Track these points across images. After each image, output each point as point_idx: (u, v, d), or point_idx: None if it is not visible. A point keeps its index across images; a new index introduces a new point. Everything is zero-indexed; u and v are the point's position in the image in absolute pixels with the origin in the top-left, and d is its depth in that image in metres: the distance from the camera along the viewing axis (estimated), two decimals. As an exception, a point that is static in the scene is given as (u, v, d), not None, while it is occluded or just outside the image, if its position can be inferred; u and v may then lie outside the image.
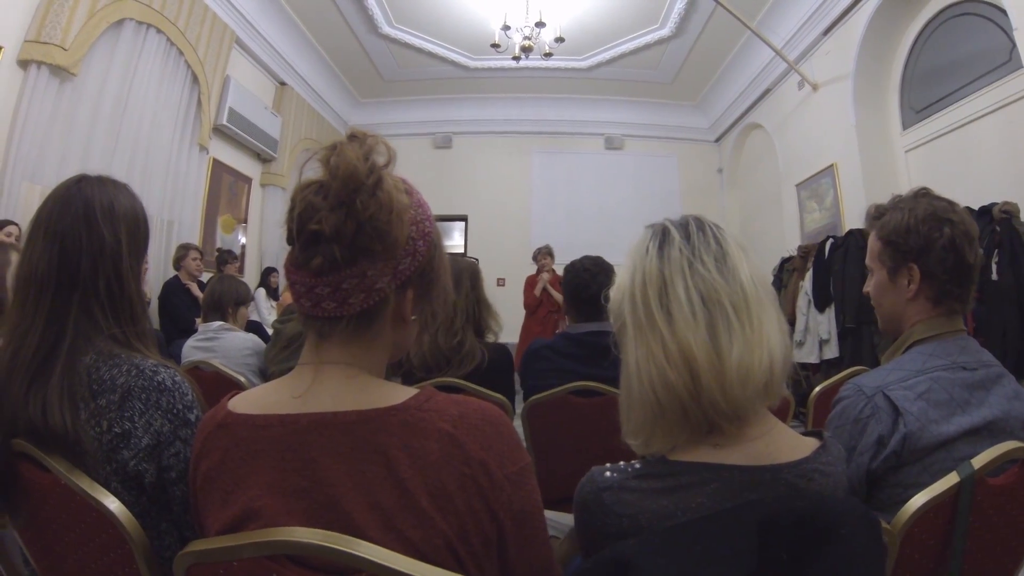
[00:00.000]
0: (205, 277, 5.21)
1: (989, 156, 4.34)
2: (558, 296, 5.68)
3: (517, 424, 2.04)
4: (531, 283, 6.27)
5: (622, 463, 0.82)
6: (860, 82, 5.40)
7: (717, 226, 0.87)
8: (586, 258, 2.29)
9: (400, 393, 0.78)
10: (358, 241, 0.75)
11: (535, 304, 6.00)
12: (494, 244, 8.78)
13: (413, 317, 0.86)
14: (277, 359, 2.49)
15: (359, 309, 0.78)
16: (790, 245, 6.66)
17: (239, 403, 0.80)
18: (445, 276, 0.89)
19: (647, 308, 0.82)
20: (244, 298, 2.95)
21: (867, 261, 1.37)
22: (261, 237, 7.32)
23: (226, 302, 2.84)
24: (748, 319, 0.79)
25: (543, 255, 6.24)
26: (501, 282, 8.47)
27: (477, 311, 2.18)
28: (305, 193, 0.78)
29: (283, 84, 7.38)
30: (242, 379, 2.26)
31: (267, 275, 6.73)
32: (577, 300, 2.22)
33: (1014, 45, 3.89)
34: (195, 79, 5.66)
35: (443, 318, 2.12)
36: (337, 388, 0.78)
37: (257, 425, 0.76)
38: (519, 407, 2.13)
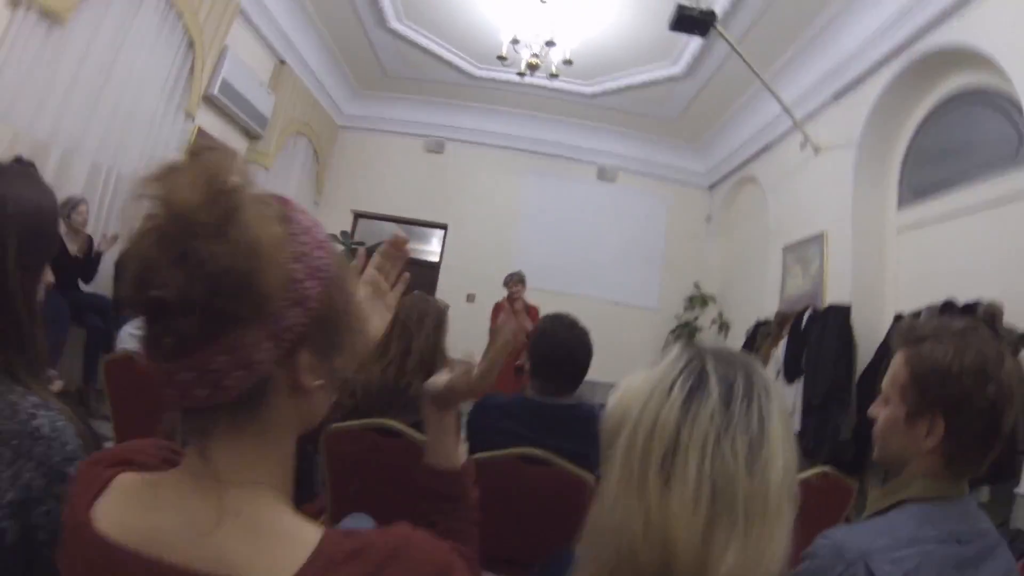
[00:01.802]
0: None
1: (980, 251, 4.24)
2: (527, 325, 5.45)
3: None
4: (498, 310, 6.04)
5: None
6: (863, 152, 5.29)
7: (767, 390, 0.70)
8: (560, 322, 2.08)
9: (293, 548, 0.58)
10: (216, 305, 0.56)
11: None
12: (471, 258, 8.58)
13: (319, 382, 0.66)
14: None
15: (239, 392, 0.60)
16: (767, 307, 6.55)
17: (113, 509, 0.62)
18: (355, 317, 0.70)
19: (644, 461, 0.67)
20: None
21: (885, 385, 1.16)
22: (239, 213, 7.04)
23: None
24: (758, 531, 0.63)
25: (515, 282, 6.04)
26: (471, 298, 8.31)
27: (432, 358, 2.06)
28: (141, 244, 0.57)
29: (282, 62, 7.16)
30: None
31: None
32: (546, 370, 2.03)
33: (1022, 141, 3.79)
34: (191, 45, 5.47)
35: (396, 355, 2.02)
36: (210, 528, 0.58)
37: (114, 560, 0.59)
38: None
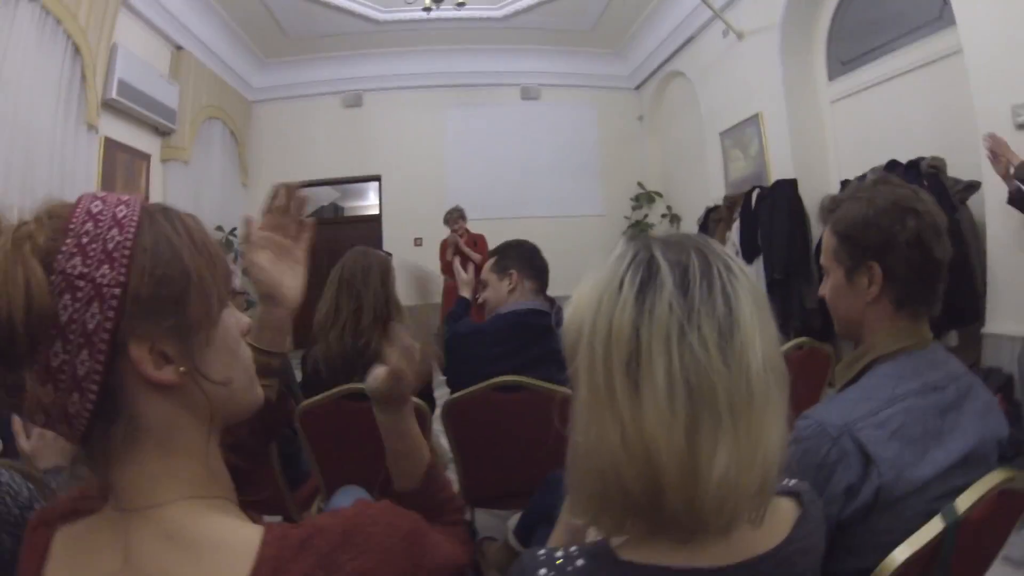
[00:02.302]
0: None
1: (915, 111, 4.49)
2: (475, 256, 5.68)
3: (437, 423, 1.99)
4: (446, 246, 6.12)
5: (560, 553, 0.65)
6: (787, 32, 5.42)
7: (729, 267, 0.62)
8: (515, 240, 2.35)
9: (235, 557, 0.55)
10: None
11: (451, 268, 5.84)
12: (409, 204, 8.48)
13: (182, 368, 0.58)
14: None
15: (92, 414, 0.56)
16: (714, 194, 6.79)
17: (61, 571, 0.59)
18: (195, 281, 0.59)
19: (608, 373, 0.59)
20: None
21: (822, 260, 1.22)
22: (165, 217, 6.69)
23: None
24: (747, 423, 0.57)
25: (455, 219, 6.12)
26: (419, 242, 8.31)
27: (386, 310, 2.03)
28: None
29: (179, 48, 6.65)
30: None
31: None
32: (539, 268, 2.23)
33: (945, 3, 3.96)
34: (77, 50, 4.99)
35: (348, 317, 1.99)
36: (146, 560, 0.55)
37: None
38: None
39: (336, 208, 10.21)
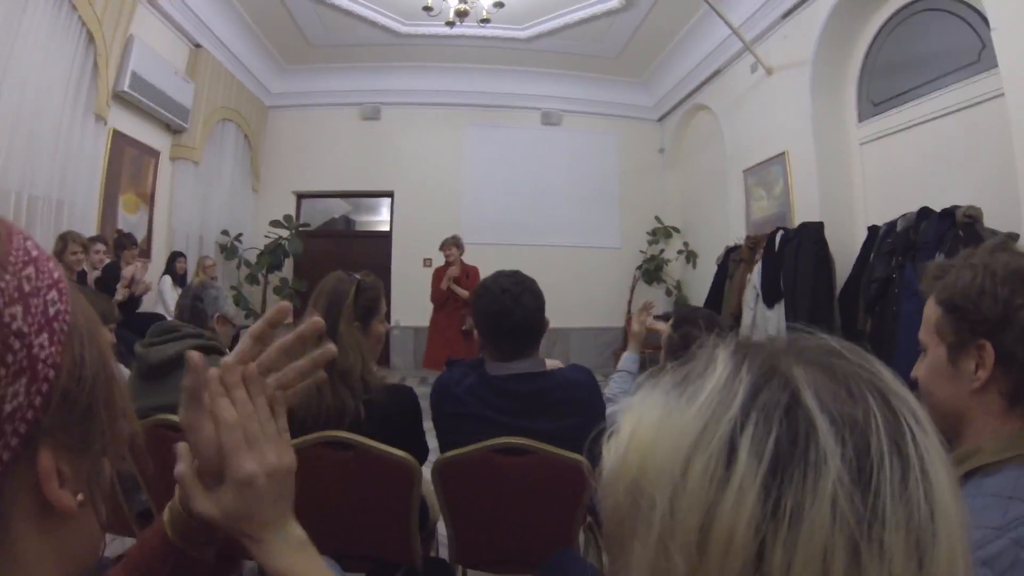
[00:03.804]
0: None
1: (948, 157, 4.28)
2: (463, 292, 5.34)
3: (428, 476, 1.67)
4: (439, 275, 5.93)
5: None
6: (818, 69, 5.26)
7: (919, 420, 0.37)
8: (501, 275, 1.75)
9: None
10: None
11: (442, 299, 5.57)
12: (421, 222, 8.31)
13: (79, 497, 0.43)
14: (138, 393, 1.90)
15: None
16: (735, 232, 6.58)
17: None
18: (114, 391, 0.45)
19: None
20: (104, 316, 2.29)
21: (920, 335, 0.99)
22: (170, 217, 6.59)
23: None
24: None
25: (449, 246, 5.87)
26: (428, 262, 8.10)
27: (360, 349, 1.69)
28: None
29: (198, 46, 6.60)
30: None
31: (173, 261, 6.05)
32: (496, 332, 1.70)
33: (984, 46, 3.78)
34: (91, 38, 4.91)
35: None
36: None
37: None
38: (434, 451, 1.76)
39: (348, 221, 10.08)
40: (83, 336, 0.43)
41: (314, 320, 0.63)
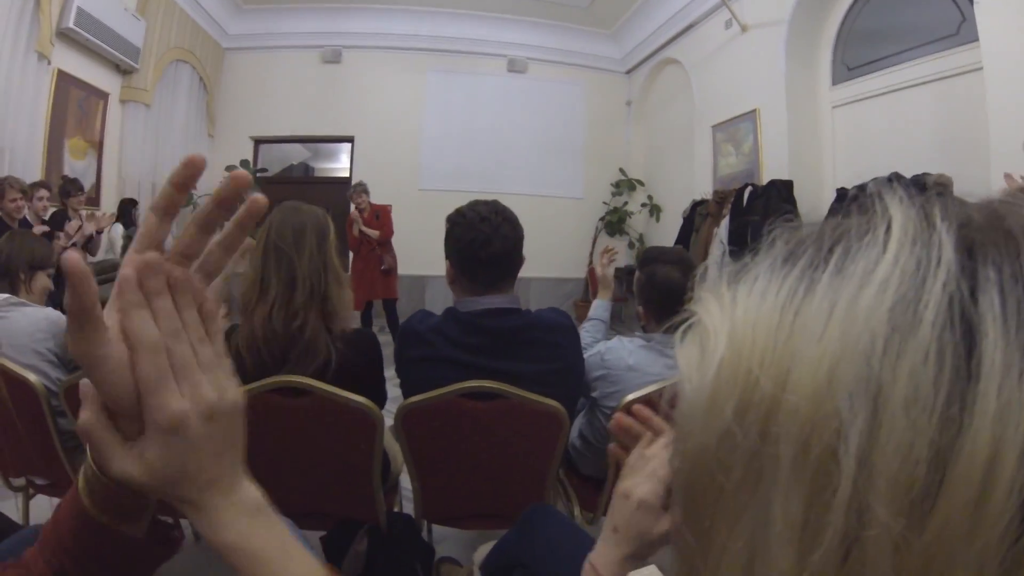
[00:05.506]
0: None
1: (921, 126, 4.45)
2: (373, 233, 5.79)
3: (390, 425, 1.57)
4: (351, 223, 6.01)
5: None
6: (794, 29, 5.33)
7: None
8: (478, 204, 1.62)
9: None
10: None
11: (357, 244, 5.89)
12: (382, 168, 8.12)
13: None
14: None
15: None
16: (701, 187, 6.70)
17: None
18: None
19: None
20: (42, 260, 2.21)
21: None
22: (121, 163, 6.28)
23: (16, 266, 2.12)
24: None
25: (359, 193, 6.02)
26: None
27: (324, 282, 1.61)
28: None
29: (149, -18, 6.16)
30: (30, 377, 1.71)
31: (127, 208, 5.76)
32: (472, 263, 1.58)
33: (964, 19, 3.90)
34: (30, -29, 4.55)
35: (279, 291, 1.57)
36: None
37: None
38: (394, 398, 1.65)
39: (307, 168, 9.78)
40: None
41: (255, 197, 0.46)
